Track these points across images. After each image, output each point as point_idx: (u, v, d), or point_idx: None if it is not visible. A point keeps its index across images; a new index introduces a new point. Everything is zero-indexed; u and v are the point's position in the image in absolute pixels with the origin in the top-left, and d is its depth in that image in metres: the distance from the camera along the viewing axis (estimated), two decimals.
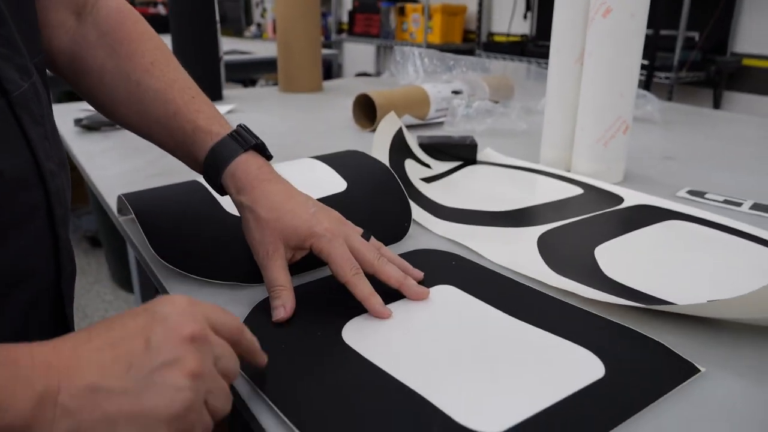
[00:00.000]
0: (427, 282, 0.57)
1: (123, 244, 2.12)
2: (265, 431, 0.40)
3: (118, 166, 0.98)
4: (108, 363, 0.33)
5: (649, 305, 0.52)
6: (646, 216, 0.75)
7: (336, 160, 0.76)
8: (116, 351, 0.34)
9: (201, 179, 0.70)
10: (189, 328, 0.35)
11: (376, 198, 0.70)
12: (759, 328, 0.50)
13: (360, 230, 0.57)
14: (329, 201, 0.67)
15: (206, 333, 0.36)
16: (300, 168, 0.75)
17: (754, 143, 1.13)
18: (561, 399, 0.40)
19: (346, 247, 0.53)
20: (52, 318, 0.52)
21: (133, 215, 0.64)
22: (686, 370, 0.42)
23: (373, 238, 0.58)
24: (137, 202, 0.67)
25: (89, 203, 2.66)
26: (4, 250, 0.45)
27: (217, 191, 0.59)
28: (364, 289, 0.51)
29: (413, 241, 0.70)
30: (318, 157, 0.79)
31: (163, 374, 0.33)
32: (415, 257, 0.62)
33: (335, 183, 0.70)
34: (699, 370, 0.39)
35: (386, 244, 0.68)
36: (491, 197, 0.82)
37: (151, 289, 1.63)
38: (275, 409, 0.41)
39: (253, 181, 0.55)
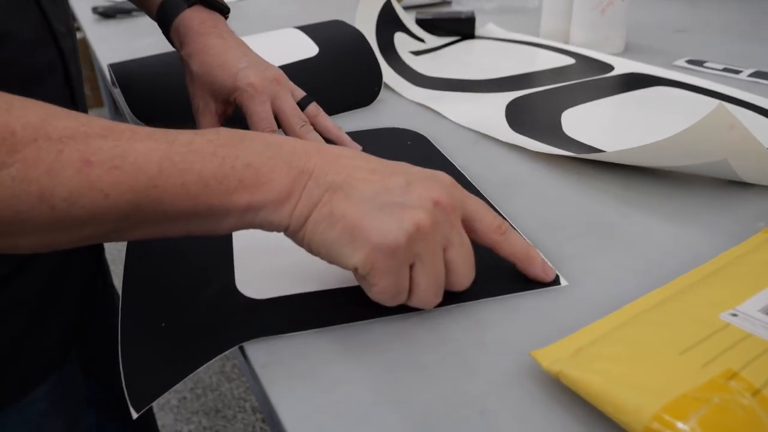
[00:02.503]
0: None
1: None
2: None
3: (127, 46, 1.01)
4: (365, 175, 0.34)
5: (579, 154, 0.52)
6: (632, 83, 0.72)
7: (315, 29, 0.76)
8: (377, 175, 0.34)
9: None
10: (439, 193, 0.34)
11: (347, 62, 0.70)
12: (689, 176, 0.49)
13: (301, 94, 0.57)
14: (298, 65, 0.67)
15: (452, 209, 0.34)
16: (277, 35, 0.75)
17: None
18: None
19: (269, 106, 0.53)
20: None
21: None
22: (554, 282, 0.38)
23: (313, 106, 0.57)
24: (121, 70, 0.70)
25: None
26: None
27: (173, 47, 0.60)
28: None
29: (383, 105, 0.70)
30: (300, 27, 0.78)
31: (394, 209, 0.33)
32: (370, 135, 0.62)
33: (307, 48, 0.70)
34: (559, 283, 0.39)
35: (354, 108, 0.69)
36: (477, 67, 0.81)
37: None
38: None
39: (193, 35, 0.55)
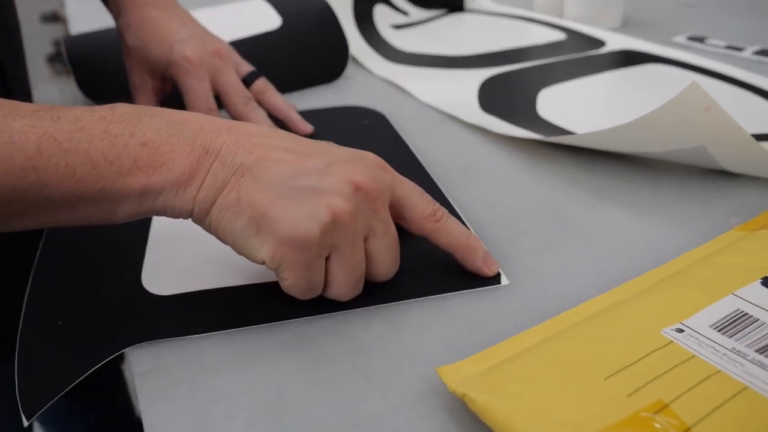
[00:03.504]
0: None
1: None
2: None
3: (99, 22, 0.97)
4: (279, 156, 0.30)
5: (545, 137, 0.46)
6: (623, 60, 0.66)
7: (281, 0, 0.71)
8: (294, 156, 0.30)
9: None
10: (362, 176, 0.30)
11: (310, 35, 0.65)
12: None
13: (248, 68, 0.52)
14: (257, 39, 0.63)
15: (376, 194, 0.30)
16: (239, 6, 0.70)
17: None
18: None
19: (207, 83, 0.49)
20: None
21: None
22: (495, 280, 0.33)
23: (262, 82, 0.52)
24: (75, 45, 0.66)
25: None
26: None
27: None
28: None
29: (350, 82, 0.66)
30: None
31: (308, 194, 0.29)
32: (326, 114, 0.57)
33: (270, 20, 0.66)
34: (500, 282, 0.34)
35: (318, 84, 0.65)
36: (461, 43, 0.75)
37: None
38: None
39: (130, 5, 0.51)
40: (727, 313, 0.26)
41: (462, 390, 0.25)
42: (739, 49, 0.68)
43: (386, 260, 0.32)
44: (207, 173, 0.30)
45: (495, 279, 0.34)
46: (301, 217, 0.28)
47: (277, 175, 0.29)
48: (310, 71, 0.64)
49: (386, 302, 0.32)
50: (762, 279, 0.28)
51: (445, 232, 0.33)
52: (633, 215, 0.39)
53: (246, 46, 0.59)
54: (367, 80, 0.66)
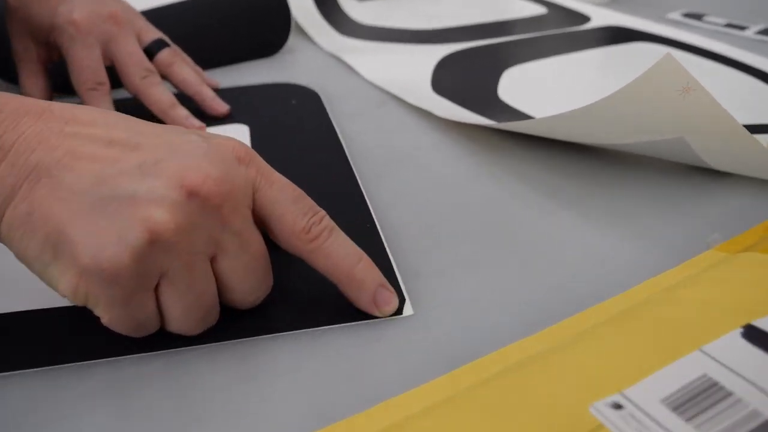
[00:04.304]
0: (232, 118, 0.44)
1: None
2: None
3: None
4: (93, 151, 0.22)
5: (495, 124, 0.38)
6: (607, 38, 0.58)
7: None
8: (114, 150, 0.22)
9: None
10: (202, 176, 0.22)
11: (246, 3, 0.56)
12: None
13: (154, 35, 0.44)
14: (182, 6, 0.54)
15: (222, 199, 0.22)
16: None
17: None
18: None
19: (97, 51, 0.41)
20: None
21: None
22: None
23: (169, 51, 0.44)
24: None
25: None
26: None
27: None
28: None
29: (292, 56, 0.57)
30: None
31: (121, 206, 0.21)
32: (250, 92, 0.48)
33: None
34: (401, 313, 0.26)
35: (254, 58, 0.56)
36: (429, 15, 0.66)
37: None
38: None
39: None
40: (688, 381, 0.18)
41: None
42: (741, 28, 0.59)
43: (245, 284, 0.24)
44: None
45: (397, 309, 0.26)
46: (107, 240, 0.21)
47: (83, 179, 0.21)
48: (244, 43, 0.55)
49: (239, 338, 0.24)
50: (743, 328, 0.20)
51: (323, 254, 0.24)
52: (590, 223, 0.31)
53: (166, 13, 0.51)
54: (314, 55, 0.58)
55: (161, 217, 0.21)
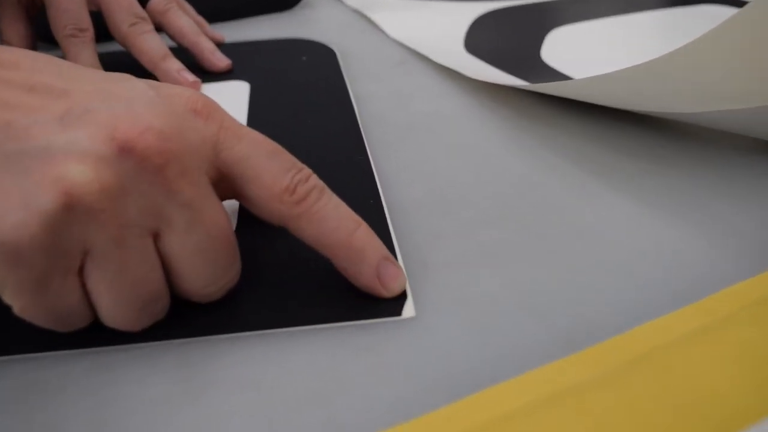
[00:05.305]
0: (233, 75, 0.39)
1: None
2: None
3: None
4: (7, 99, 0.17)
5: (533, 86, 0.32)
6: None
7: None
8: (34, 97, 0.17)
9: None
10: (137, 127, 0.17)
11: None
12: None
13: None
14: None
15: (163, 160, 0.17)
16: None
17: None
18: None
19: None
20: None
21: None
22: (391, 309, 0.20)
23: None
24: None
25: None
26: None
27: None
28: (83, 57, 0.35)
29: (311, 11, 0.52)
30: None
31: (31, 164, 0.16)
32: (257, 47, 0.43)
33: None
34: (400, 314, 0.20)
35: (271, 11, 0.51)
36: None
37: None
38: None
39: None
40: None
41: None
42: None
43: (197, 269, 0.18)
44: None
45: (391, 307, 0.20)
46: (10, 205, 0.16)
47: None
48: None
49: (188, 337, 0.19)
50: None
51: (314, 219, 0.19)
52: (646, 210, 0.25)
53: None
54: (334, 11, 0.52)
55: (81, 175, 0.16)
